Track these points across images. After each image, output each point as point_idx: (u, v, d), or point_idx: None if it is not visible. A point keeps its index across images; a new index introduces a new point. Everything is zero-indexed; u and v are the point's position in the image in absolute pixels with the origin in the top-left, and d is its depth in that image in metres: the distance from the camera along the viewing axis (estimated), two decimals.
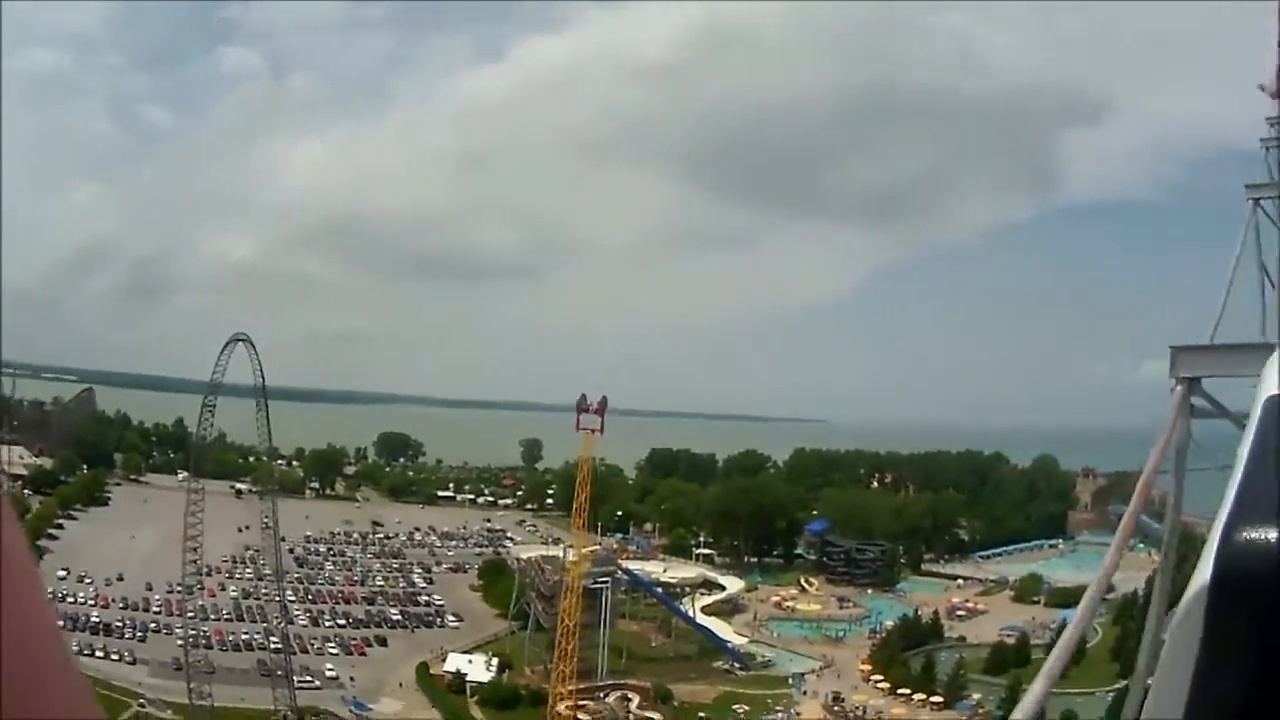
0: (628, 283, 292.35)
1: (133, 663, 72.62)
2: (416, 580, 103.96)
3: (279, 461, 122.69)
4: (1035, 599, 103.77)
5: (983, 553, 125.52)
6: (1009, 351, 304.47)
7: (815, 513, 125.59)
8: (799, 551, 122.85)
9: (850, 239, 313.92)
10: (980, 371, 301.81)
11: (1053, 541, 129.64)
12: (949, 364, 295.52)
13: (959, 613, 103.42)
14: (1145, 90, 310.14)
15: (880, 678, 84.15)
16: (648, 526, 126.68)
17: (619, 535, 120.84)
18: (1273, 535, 1.12)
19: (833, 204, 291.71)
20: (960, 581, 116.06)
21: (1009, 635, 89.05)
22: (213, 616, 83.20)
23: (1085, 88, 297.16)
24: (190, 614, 65.65)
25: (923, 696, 79.69)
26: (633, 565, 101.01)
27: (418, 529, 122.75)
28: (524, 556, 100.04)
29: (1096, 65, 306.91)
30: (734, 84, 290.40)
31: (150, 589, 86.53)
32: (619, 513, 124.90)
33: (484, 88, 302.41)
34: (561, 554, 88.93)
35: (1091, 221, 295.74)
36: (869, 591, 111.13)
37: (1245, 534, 1.13)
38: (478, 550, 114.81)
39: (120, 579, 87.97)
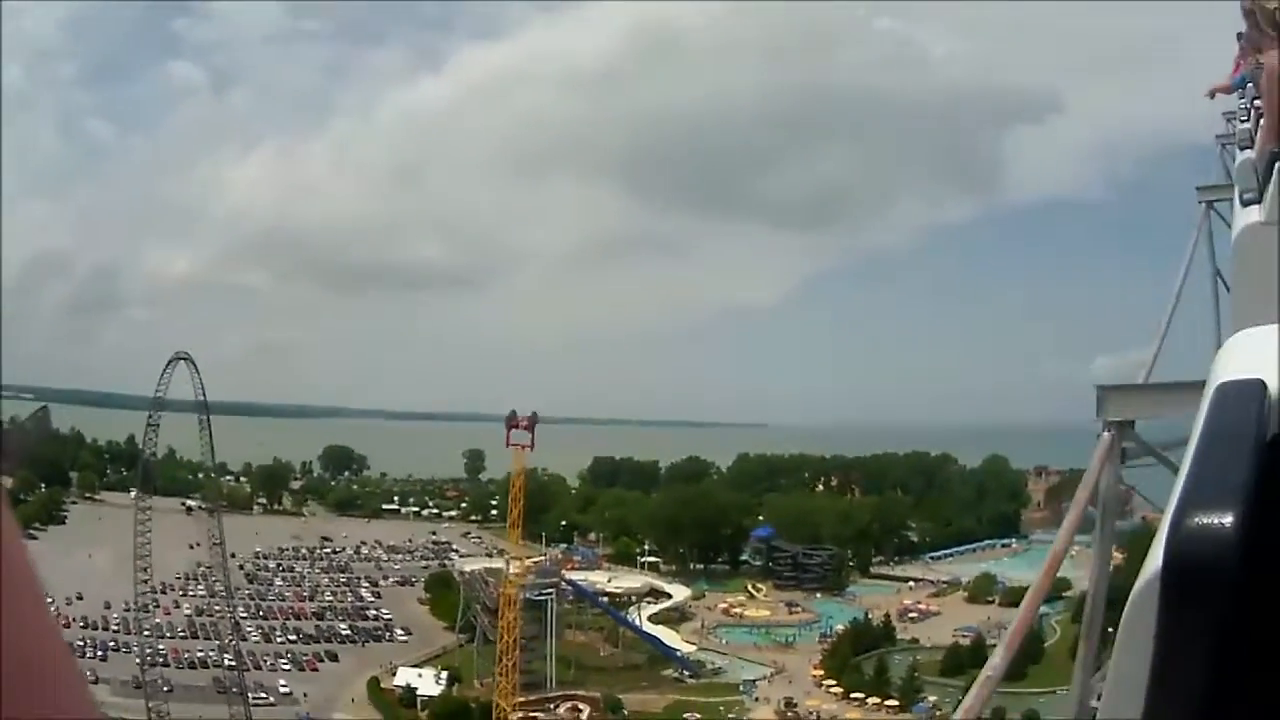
0: (567, 291, 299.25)
1: (95, 681, 75.46)
2: (365, 595, 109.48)
3: (227, 477, 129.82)
4: (989, 599, 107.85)
5: (933, 554, 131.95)
6: (956, 350, 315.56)
7: (760, 518, 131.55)
8: (745, 558, 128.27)
9: (789, 241, 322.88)
10: (927, 371, 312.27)
11: (1005, 541, 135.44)
12: (894, 365, 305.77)
13: (911, 615, 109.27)
14: (1096, 88, 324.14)
15: (833, 682, 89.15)
16: (592, 536, 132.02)
17: (563, 545, 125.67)
18: (1223, 520, 1.16)
19: (771, 207, 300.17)
20: (911, 583, 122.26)
21: (964, 636, 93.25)
22: (169, 634, 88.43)
23: (1032, 87, 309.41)
24: (147, 632, 69.80)
25: (877, 700, 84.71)
26: (578, 575, 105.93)
27: (364, 543, 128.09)
28: (468, 569, 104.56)
29: (1044, 64, 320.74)
30: (671, 90, 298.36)
31: (109, 608, 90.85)
32: (563, 523, 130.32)
33: (423, 98, 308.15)
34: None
35: (1042, 220, 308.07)
36: (818, 596, 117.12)
37: (1195, 520, 1.17)
38: (424, 563, 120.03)
39: (80, 598, 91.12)
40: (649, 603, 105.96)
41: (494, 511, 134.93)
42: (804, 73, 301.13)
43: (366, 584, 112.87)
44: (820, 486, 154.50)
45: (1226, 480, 1.22)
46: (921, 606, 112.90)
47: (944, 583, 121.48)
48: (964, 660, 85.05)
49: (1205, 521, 1.16)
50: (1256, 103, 6.07)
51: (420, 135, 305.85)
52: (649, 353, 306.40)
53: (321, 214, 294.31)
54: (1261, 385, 1.44)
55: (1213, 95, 10.72)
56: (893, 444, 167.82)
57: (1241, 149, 6.48)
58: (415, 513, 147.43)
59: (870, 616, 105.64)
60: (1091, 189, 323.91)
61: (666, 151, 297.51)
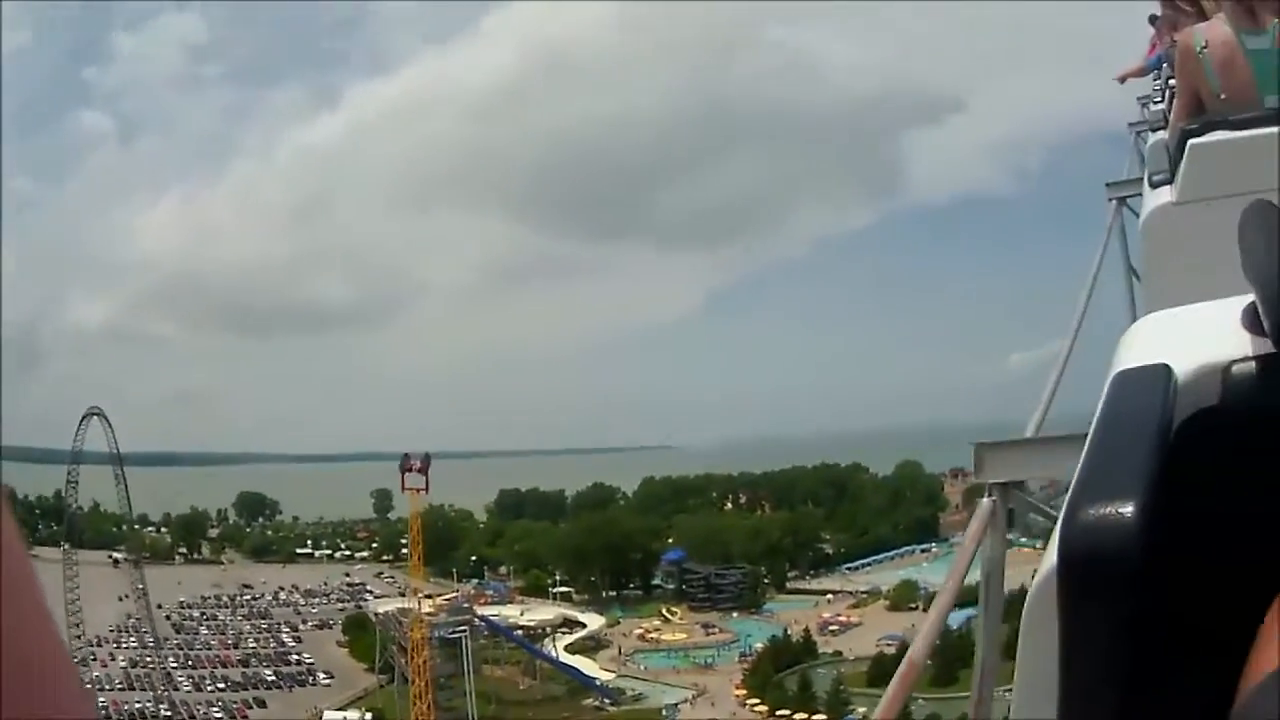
0: (469, 322, 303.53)
1: None
2: (286, 639, 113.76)
3: (148, 528, 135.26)
4: (912, 605, 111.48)
5: (850, 565, 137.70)
6: (865, 356, 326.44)
7: (670, 541, 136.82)
8: (657, 582, 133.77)
9: (690, 258, 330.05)
10: (835, 379, 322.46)
11: (925, 546, 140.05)
12: (800, 376, 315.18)
13: (832, 627, 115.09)
14: (1000, 83, 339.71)
15: (757, 701, 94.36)
16: (503, 569, 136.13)
17: (475, 581, 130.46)
18: (1122, 510, 1.19)
19: (671, 224, 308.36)
20: (829, 596, 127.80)
21: (888, 644, 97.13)
22: (106, 687, 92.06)
23: (933, 87, 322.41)
24: (87, 686, 73.60)
25: (804, 716, 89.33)
26: (491, 610, 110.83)
27: (282, 588, 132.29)
28: (381, 610, 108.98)
29: (946, 63, 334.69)
30: (565, 110, 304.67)
31: None
32: (473, 558, 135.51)
33: (321, 136, 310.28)
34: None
35: (950, 219, 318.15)
36: (734, 615, 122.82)
37: (1092, 511, 1.21)
38: (340, 606, 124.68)
39: None
40: (564, 633, 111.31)
41: (404, 550, 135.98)
42: (699, 87, 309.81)
43: (287, 629, 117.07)
44: (729, 505, 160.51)
45: (1125, 469, 1.25)
46: (842, 618, 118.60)
47: (863, 593, 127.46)
48: (889, 669, 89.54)
49: (1103, 513, 1.20)
50: (1171, 83, 6.15)
51: (320, 173, 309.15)
52: (552, 380, 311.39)
53: (227, 258, 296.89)
54: (1165, 370, 1.48)
55: (1123, 80, 11.08)
56: (802, 456, 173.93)
57: (1154, 130, 6.73)
58: (328, 555, 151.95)
59: (790, 632, 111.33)
60: (1000, 185, 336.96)
61: (562, 173, 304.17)
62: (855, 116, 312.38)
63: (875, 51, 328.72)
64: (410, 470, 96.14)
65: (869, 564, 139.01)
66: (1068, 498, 1.28)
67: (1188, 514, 1.33)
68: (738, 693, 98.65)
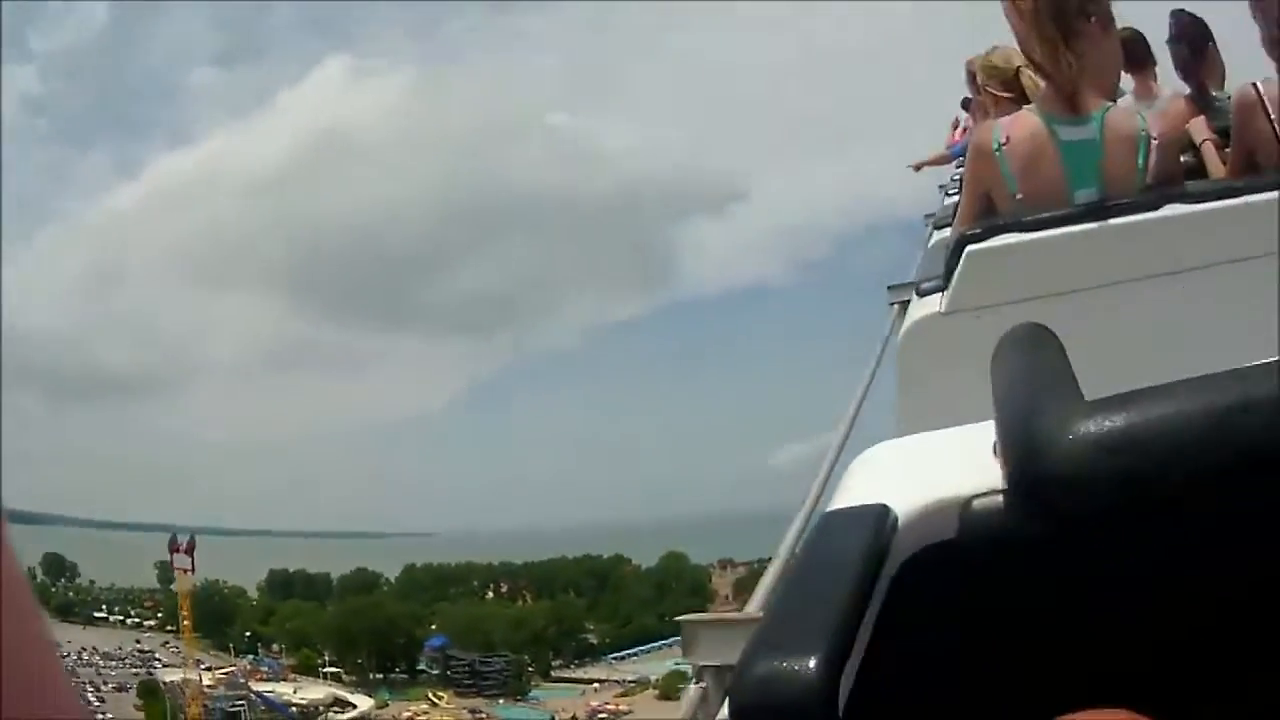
0: (246, 401, 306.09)
1: None
2: (92, 699, 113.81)
3: None
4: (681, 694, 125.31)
5: (615, 654, 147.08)
6: (631, 446, 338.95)
7: (434, 627, 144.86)
8: (421, 667, 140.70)
9: (459, 347, 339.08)
10: (598, 470, 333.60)
11: None
12: (563, 467, 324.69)
13: (601, 715, 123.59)
14: (786, 172, 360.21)
15: None
16: (275, 647, 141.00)
17: (250, 656, 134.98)
18: (797, 663, 1.15)
19: (441, 310, 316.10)
20: (596, 685, 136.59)
21: None
22: None
23: (715, 176, 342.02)
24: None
25: None
26: (265, 686, 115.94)
27: (84, 649, 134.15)
28: (168, 679, 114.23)
29: (731, 152, 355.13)
30: (348, 196, 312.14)
31: None
32: (247, 634, 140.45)
33: (120, 206, 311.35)
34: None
35: (724, 310, 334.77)
36: (501, 702, 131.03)
37: (765, 664, 1.17)
38: (134, 671, 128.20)
39: None
40: (336, 712, 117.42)
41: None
42: (478, 172, 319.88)
43: (91, 689, 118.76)
44: (490, 594, 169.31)
45: (811, 618, 1.20)
46: (610, 706, 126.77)
47: (631, 682, 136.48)
48: None
49: (778, 666, 1.14)
50: None
51: (117, 243, 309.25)
52: (319, 464, 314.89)
53: (35, 322, 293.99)
54: (881, 509, 1.43)
55: (919, 168, 10.59)
56: (564, 547, 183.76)
57: (939, 228, 6.26)
58: (121, 621, 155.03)
59: (558, 719, 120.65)
60: (780, 276, 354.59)
61: (337, 257, 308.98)
62: (633, 204, 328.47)
63: (659, 137, 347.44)
64: (177, 551, 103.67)
65: (635, 654, 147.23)
66: (743, 649, 1.22)
67: (903, 658, 1.33)
68: None
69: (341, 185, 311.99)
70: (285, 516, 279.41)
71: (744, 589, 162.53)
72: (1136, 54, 6.24)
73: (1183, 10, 5.67)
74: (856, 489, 1.58)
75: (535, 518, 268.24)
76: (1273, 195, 3.58)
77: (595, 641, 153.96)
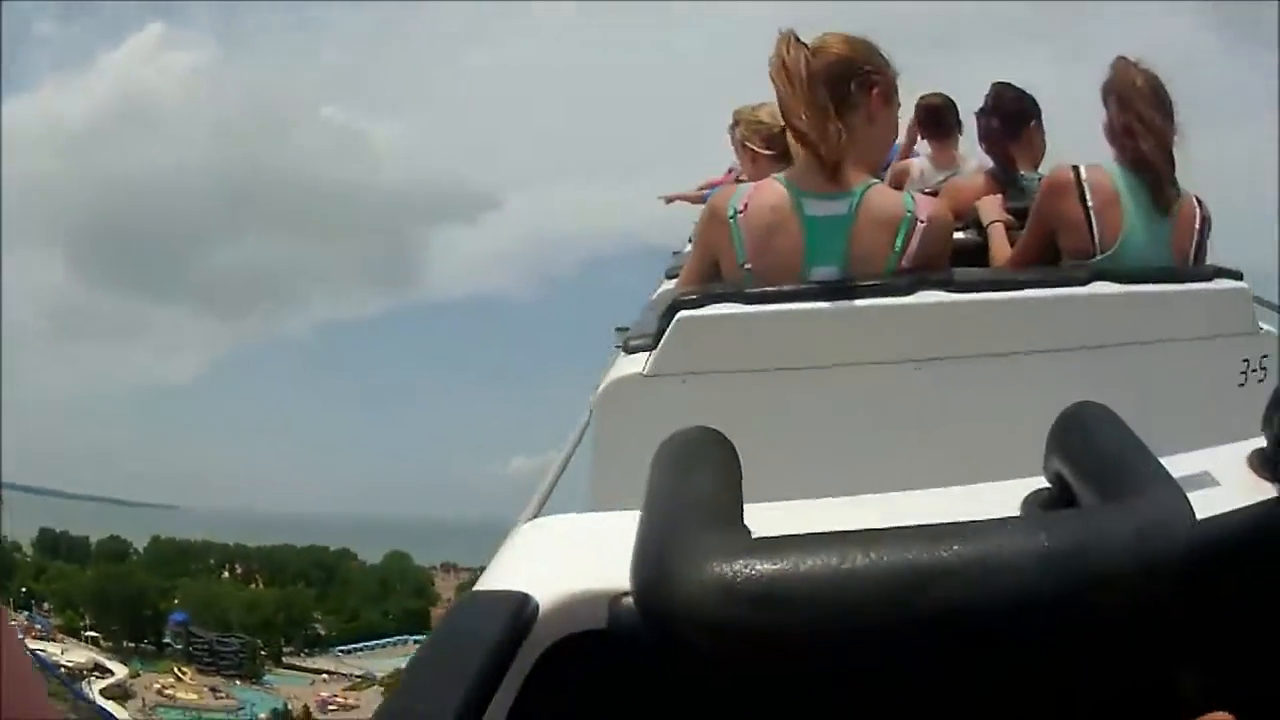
0: (31, 361, 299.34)
1: None
2: None
3: None
4: None
5: (342, 648, 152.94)
6: (364, 442, 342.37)
7: (176, 602, 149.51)
8: (168, 640, 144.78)
9: (211, 324, 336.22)
10: (334, 462, 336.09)
11: (417, 637, 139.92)
12: (297, 456, 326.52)
13: (331, 707, 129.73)
14: (540, 188, 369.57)
15: None
16: (46, 606, 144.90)
17: (25, 613, 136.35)
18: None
19: (199, 289, 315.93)
20: (325, 676, 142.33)
21: None
22: None
23: (472, 183, 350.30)
24: None
25: None
26: (37, 645, 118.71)
27: None
28: None
29: (492, 161, 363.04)
30: (131, 162, 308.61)
31: None
32: (24, 589, 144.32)
33: None
34: None
35: (466, 318, 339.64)
36: (238, 683, 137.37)
37: None
38: None
39: None
40: (97, 676, 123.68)
41: None
42: (253, 155, 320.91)
43: None
44: (226, 574, 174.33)
45: (428, 712, 1.17)
46: (340, 699, 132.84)
47: (358, 677, 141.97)
48: None
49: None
50: None
51: None
52: (82, 427, 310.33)
53: None
54: (520, 598, 1.37)
55: (669, 201, 9.62)
56: (293, 535, 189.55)
57: (670, 277, 5.51)
58: None
59: (290, 707, 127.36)
60: (522, 290, 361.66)
61: (116, 224, 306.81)
62: (393, 204, 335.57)
63: (426, 142, 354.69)
64: None
65: (361, 649, 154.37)
66: None
67: None
68: None
69: (132, 152, 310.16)
70: (53, 476, 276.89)
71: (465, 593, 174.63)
72: (944, 121, 6.38)
73: (1008, 84, 5.28)
74: (507, 566, 1.54)
75: (266, 503, 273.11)
76: (1041, 294, 3.46)
77: (323, 633, 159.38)
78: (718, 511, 1.23)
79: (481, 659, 1.24)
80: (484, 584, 1.47)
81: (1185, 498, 1.18)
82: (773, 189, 3.51)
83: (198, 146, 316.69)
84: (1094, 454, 1.30)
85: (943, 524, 1.15)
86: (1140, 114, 3.78)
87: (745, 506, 1.31)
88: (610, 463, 3.39)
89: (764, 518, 1.29)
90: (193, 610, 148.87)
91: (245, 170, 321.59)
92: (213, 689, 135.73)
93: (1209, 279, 3.61)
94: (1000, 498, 1.40)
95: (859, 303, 3.36)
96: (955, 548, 1.09)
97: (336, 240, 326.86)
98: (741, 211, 3.49)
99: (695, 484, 1.28)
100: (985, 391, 3.26)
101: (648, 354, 3.41)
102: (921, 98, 6.39)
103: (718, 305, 3.38)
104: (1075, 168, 3.89)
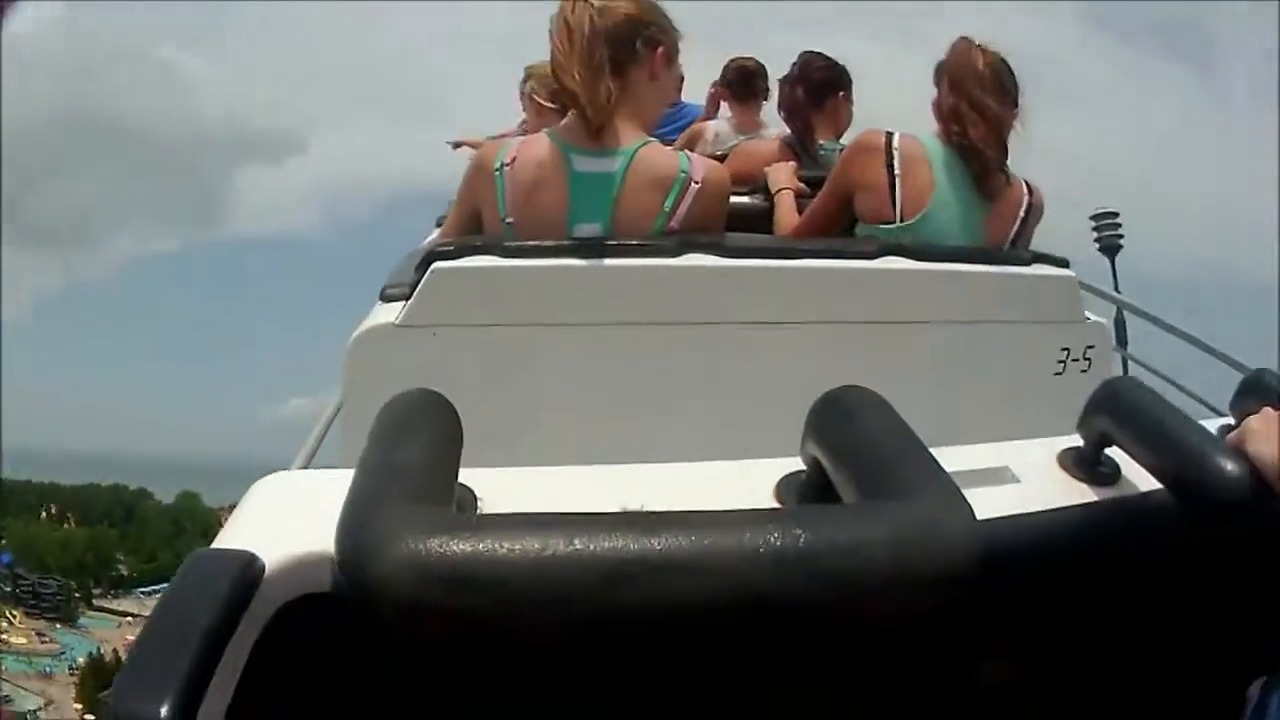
0: None
1: None
2: None
3: None
4: None
5: (144, 589, 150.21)
6: (159, 380, 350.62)
7: (3, 543, 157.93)
8: None
9: (32, 259, 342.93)
10: (135, 399, 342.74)
11: None
12: (101, 393, 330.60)
13: None
14: (344, 132, 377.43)
15: (93, 718, 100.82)
16: None
17: None
18: (152, 711, 1.03)
19: (26, 224, 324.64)
20: (130, 618, 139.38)
21: None
22: None
23: (279, 125, 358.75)
24: None
25: None
26: None
27: None
28: None
29: (297, 103, 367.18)
30: None
31: None
32: None
33: None
34: None
35: (260, 258, 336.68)
36: (59, 626, 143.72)
37: (124, 709, 1.05)
38: None
39: None
40: None
41: None
42: (87, 92, 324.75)
43: None
44: (44, 515, 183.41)
45: (157, 674, 1.06)
46: None
47: None
48: None
49: (132, 711, 1.03)
50: None
51: None
52: None
53: None
54: (247, 557, 1.26)
55: (456, 146, 8.24)
56: (98, 474, 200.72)
57: (440, 225, 4.55)
58: None
59: (102, 651, 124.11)
60: (320, 231, 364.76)
61: None
62: (197, 142, 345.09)
63: (244, 86, 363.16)
64: None
65: (160, 590, 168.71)
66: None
67: (262, 712, 1.24)
68: (76, 706, 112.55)
69: None
70: None
71: None
72: (753, 84, 6.10)
73: (818, 53, 5.00)
74: (242, 523, 1.39)
75: (73, 441, 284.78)
76: (819, 264, 3.20)
77: (125, 573, 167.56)
78: (427, 485, 1.16)
79: (207, 623, 1.15)
80: (220, 540, 1.34)
81: (962, 496, 1.08)
82: (541, 143, 3.31)
83: (39, 81, 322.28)
84: (855, 443, 1.22)
85: (666, 512, 1.06)
86: (971, 97, 3.47)
87: (476, 470, 1.30)
88: (358, 415, 2.83)
89: (492, 483, 1.31)
90: (16, 552, 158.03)
91: (80, 106, 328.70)
92: (39, 633, 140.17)
93: (1027, 264, 3.42)
94: (752, 476, 1.34)
95: (619, 261, 3.14)
96: (671, 539, 1.01)
97: (148, 177, 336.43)
98: (509, 164, 3.30)
99: (407, 453, 1.21)
100: (748, 362, 3.04)
101: (403, 303, 3.17)
102: (732, 59, 6.21)
103: (474, 257, 3.15)
104: (889, 133, 3.56)
